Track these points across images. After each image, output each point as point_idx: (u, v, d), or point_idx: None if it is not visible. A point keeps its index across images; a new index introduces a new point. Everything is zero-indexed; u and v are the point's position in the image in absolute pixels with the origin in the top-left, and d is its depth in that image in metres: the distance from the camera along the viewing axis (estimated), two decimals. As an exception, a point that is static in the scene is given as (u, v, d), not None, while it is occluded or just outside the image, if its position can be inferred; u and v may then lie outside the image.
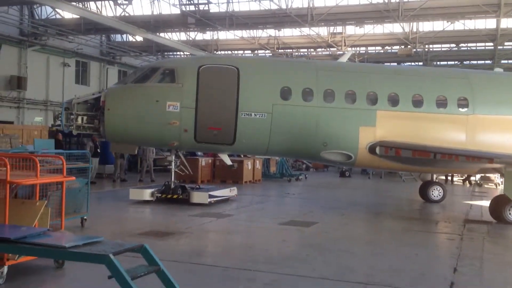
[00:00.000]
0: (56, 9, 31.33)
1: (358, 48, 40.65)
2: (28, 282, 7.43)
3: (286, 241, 11.20)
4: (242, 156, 23.60)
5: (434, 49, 40.26)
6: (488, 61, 40.10)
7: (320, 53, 41.43)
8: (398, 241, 11.50)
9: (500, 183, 24.34)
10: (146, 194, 15.95)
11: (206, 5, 31.29)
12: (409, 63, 43.21)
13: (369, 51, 41.28)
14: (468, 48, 39.26)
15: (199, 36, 38.32)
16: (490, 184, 26.68)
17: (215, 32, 37.47)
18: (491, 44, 35.89)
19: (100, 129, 14.22)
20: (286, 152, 15.72)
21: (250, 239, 11.40)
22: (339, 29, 36.92)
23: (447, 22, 32.57)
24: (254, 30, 36.39)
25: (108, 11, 34.52)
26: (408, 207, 17.77)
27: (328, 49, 39.03)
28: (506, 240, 12.22)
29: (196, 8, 30.89)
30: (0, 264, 7.21)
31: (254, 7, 33.53)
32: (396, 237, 12.00)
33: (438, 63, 42.48)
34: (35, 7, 33.47)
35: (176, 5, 31.32)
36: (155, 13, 33.95)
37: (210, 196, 15.73)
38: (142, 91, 14.09)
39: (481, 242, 11.44)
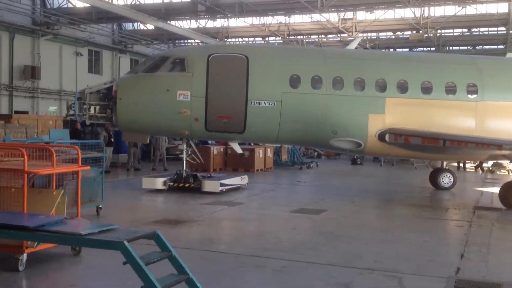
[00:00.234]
0: (68, -2, 31.58)
1: (369, 34, 40.46)
2: (47, 269, 7.72)
3: (296, 228, 11.41)
4: (252, 144, 23.78)
5: (446, 34, 39.91)
6: (501, 46, 39.73)
7: (331, 39, 41.29)
8: (407, 228, 11.65)
9: (512, 169, 24.36)
10: (159, 183, 16.21)
11: (217, -7, 31.32)
12: (421, 49, 42.91)
13: (380, 37, 41.06)
14: (480, 33, 38.91)
15: (209, 23, 38.36)
16: (502, 170, 26.63)
17: (226, 19, 37.47)
18: (504, 28, 35.53)
19: (112, 118, 14.44)
20: (296, 140, 15.85)
21: (261, 227, 11.62)
22: (349, 15, 36.73)
23: (459, 6, 32.29)
24: (264, 17, 36.34)
25: (119, -1, 34.77)
26: (418, 194, 17.87)
27: (339, 35, 38.89)
28: (514, 226, 12.33)
29: (207, -4, 30.92)
30: (20, 252, 7.49)
31: (264, -7, 33.52)
32: (405, 224, 12.16)
33: (450, 48, 42.15)
34: (47, -4, 33.76)
35: (187, -8, 31.39)
36: (165, 1, 34.06)
37: (222, 185, 15.95)
38: (153, 81, 14.28)
39: (490, 228, 11.55)
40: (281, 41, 40.17)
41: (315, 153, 35.13)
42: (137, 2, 32.97)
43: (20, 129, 18.41)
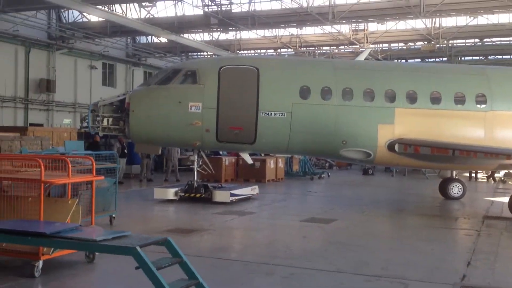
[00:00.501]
0: (83, 13, 32.15)
1: (380, 45, 40.64)
2: (62, 275, 7.97)
3: (306, 237, 11.57)
4: (263, 155, 23.98)
5: (458, 45, 39.98)
6: (514, 56, 39.70)
7: (343, 50, 41.53)
8: (416, 236, 11.76)
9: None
10: (170, 193, 16.45)
11: (228, 6, 31.73)
12: (433, 59, 43.00)
13: (392, 48, 41.21)
14: (492, 43, 38.90)
15: (222, 36, 38.82)
16: (515, 180, 26.54)
17: (238, 32, 37.89)
18: (516, 38, 35.52)
19: (125, 130, 14.74)
20: (306, 150, 16.03)
21: (271, 236, 11.78)
22: (361, 26, 36.97)
23: (470, 17, 32.36)
24: (276, 29, 36.71)
25: (133, 13, 35.37)
26: (429, 204, 17.91)
27: (350, 46, 39.11)
28: (523, 235, 12.35)
29: (219, 9, 31.35)
30: (36, 259, 7.75)
31: (276, 6, 33.88)
32: (414, 233, 12.26)
33: (462, 58, 42.17)
34: (62, 11, 34.38)
35: (199, 6, 31.86)
36: (178, 14, 34.61)
37: (232, 195, 16.16)
38: (165, 93, 14.58)
39: (498, 237, 11.61)
40: (293, 52, 40.50)
41: (327, 164, 35.22)
42: (151, 16, 33.52)
43: (35, 141, 18.80)
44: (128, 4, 32.12)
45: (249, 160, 16.77)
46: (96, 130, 14.82)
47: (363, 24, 35.87)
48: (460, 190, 18.37)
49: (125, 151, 23.06)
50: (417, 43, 38.47)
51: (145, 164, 23.86)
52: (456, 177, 18.91)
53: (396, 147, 14.71)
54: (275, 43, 38.88)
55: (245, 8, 32.73)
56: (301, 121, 14.70)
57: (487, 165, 15.73)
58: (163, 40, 38.74)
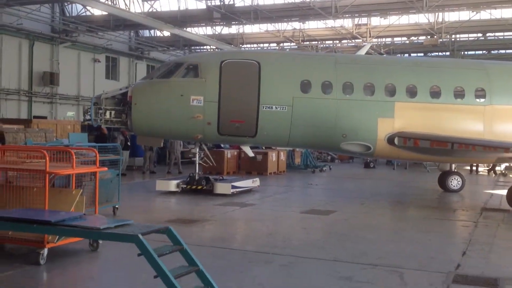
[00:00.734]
0: (86, 6, 32.33)
1: (383, 39, 40.69)
2: (66, 263, 8.21)
3: (305, 228, 11.77)
4: (264, 148, 24.18)
5: (461, 39, 40.01)
6: (517, 51, 39.72)
7: (346, 44, 41.59)
8: (415, 228, 11.95)
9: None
10: (172, 185, 16.66)
11: (231, 0, 31.87)
12: (436, 54, 43.06)
13: (395, 42, 41.25)
14: (496, 38, 38.91)
15: (225, 30, 38.92)
16: (515, 174, 26.67)
17: (241, 26, 38.01)
18: (519, 33, 35.52)
19: (127, 123, 14.94)
20: (306, 143, 16.19)
21: (271, 226, 11.97)
22: (363, 20, 37.01)
23: (473, 11, 32.39)
24: (279, 23, 36.81)
25: (136, 7, 35.52)
26: (428, 197, 18.09)
27: (353, 40, 39.17)
28: (520, 227, 12.53)
29: (221, 3, 31.51)
30: (41, 247, 7.97)
31: (279, 0, 34.02)
32: (413, 225, 12.45)
33: (465, 53, 42.20)
34: (65, 4, 34.57)
35: (202, 0, 31.99)
36: (181, 8, 34.72)
37: (233, 187, 16.36)
38: (167, 86, 14.74)
39: (495, 229, 11.80)
40: (296, 46, 40.59)
41: (329, 157, 35.41)
42: (154, 10, 33.68)
43: (39, 133, 19.06)
44: (131, -2, 32.33)
45: (250, 153, 16.95)
46: (98, 123, 15.02)
47: (366, 18, 35.93)
48: (459, 183, 18.55)
49: (128, 143, 23.28)
50: (420, 38, 38.51)
51: (148, 157, 24.10)
52: (455, 170, 19.06)
53: (396, 140, 14.87)
54: (277, 37, 38.98)
55: (248, 2, 32.83)
56: (302, 115, 14.86)
57: (486, 158, 15.88)
58: (166, 33, 38.91)
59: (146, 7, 34.67)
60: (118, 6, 31.69)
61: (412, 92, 15.33)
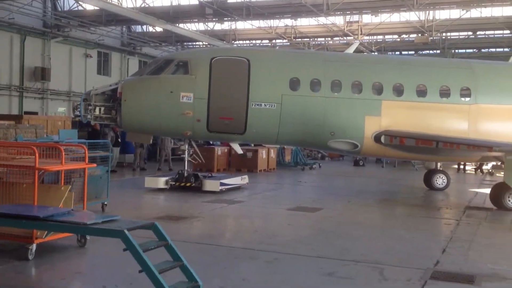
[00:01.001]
0: (78, 1, 32.32)
1: (375, 37, 40.95)
2: (54, 258, 8.35)
3: (291, 225, 11.98)
4: (253, 145, 24.34)
5: (452, 37, 40.33)
6: (507, 49, 40.03)
7: (337, 42, 41.82)
8: (399, 225, 12.19)
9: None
10: (161, 182, 16.77)
11: (224, -4, 32.00)
12: (427, 51, 43.38)
13: (386, 40, 41.52)
14: (486, 36, 39.26)
15: (217, 26, 39.02)
16: (502, 172, 26.92)
17: (233, 22, 38.11)
18: (509, 31, 35.83)
19: (117, 119, 15.05)
20: (295, 141, 16.37)
21: (258, 223, 12.18)
22: (355, 17, 37.24)
23: (463, 10, 32.65)
24: (271, 20, 36.96)
25: (129, 2, 35.49)
26: (414, 195, 18.31)
27: (345, 38, 39.39)
28: (501, 225, 12.78)
29: (214, -1, 31.61)
30: (30, 242, 8.12)
31: (271, -3, 34.19)
32: (397, 222, 12.71)
33: (456, 51, 42.55)
34: (57, -1, 34.60)
35: (194, -4, 32.07)
36: (174, 4, 34.76)
37: (222, 184, 16.51)
38: (157, 83, 14.85)
39: (476, 227, 12.04)
40: (288, 43, 40.76)
41: (319, 155, 35.62)
42: (146, 5, 33.69)
43: (30, 129, 19.14)
44: (123, -7, 32.30)
45: (238, 150, 17.12)
46: (88, 119, 15.11)
47: (357, 16, 36.16)
48: (444, 181, 18.82)
49: (119, 140, 23.37)
50: (411, 35, 38.81)
51: (138, 153, 24.19)
52: (441, 169, 19.33)
53: (382, 138, 15.10)
54: (270, 33, 39.13)
55: (240, -2, 32.93)
56: (291, 112, 15.04)
57: (470, 157, 16.16)
58: (158, 29, 38.96)
59: (139, 3, 34.58)
60: (110, 1, 31.66)
61: (399, 91, 15.55)
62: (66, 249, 8.81)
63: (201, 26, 39.89)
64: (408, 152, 15.45)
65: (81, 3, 33.35)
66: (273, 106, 14.99)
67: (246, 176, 18.55)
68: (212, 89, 14.75)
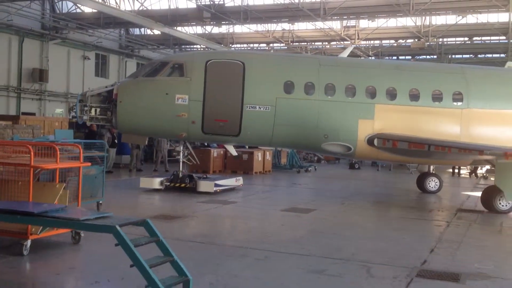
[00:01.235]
0: (77, 4, 32.49)
1: (372, 42, 41.21)
2: (48, 254, 8.49)
3: (284, 225, 12.13)
4: (247, 147, 24.52)
5: (448, 43, 40.60)
6: (502, 55, 40.30)
7: (334, 46, 42.05)
8: (390, 227, 12.35)
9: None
10: (156, 182, 16.94)
11: (221, 0, 32.19)
12: (423, 56, 43.63)
13: (383, 45, 41.78)
14: (482, 42, 39.52)
15: (215, 29, 39.23)
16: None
17: (231, 26, 38.32)
18: (504, 37, 36.07)
19: (112, 120, 15.20)
20: (289, 143, 16.54)
21: (250, 223, 12.33)
22: (352, 22, 37.48)
23: (459, 16, 32.90)
24: (269, 24, 37.18)
25: (127, 5, 35.69)
26: (407, 197, 18.49)
27: (342, 42, 39.63)
28: (491, 227, 12.94)
29: (212, 2, 31.81)
30: (24, 238, 8.27)
31: (268, 1, 34.44)
32: (389, 223, 12.86)
33: (452, 56, 42.81)
34: (56, 1, 34.72)
35: (192, -1, 32.28)
36: (172, 7, 35.00)
37: (216, 185, 16.67)
38: (153, 84, 15.01)
39: (466, 228, 12.21)
40: (285, 47, 40.97)
41: (315, 158, 35.80)
42: (144, 8, 33.89)
43: (27, 129, 19.28)
44: (121, -4, 32.57)
45: (233, 152, 17.29)
46: (83, 120, 15.25)
47: (354, 20, 36.40)
48: (437, 184, 19.02)
49: (115, 141, 23.52)
50: (408, 41, 39.06)
51: (134, 155, 24.35)
52: (433, 172, 19.52)
53: (375, 141, 15.27)
54: (267, 37, 39.37)
55: (238, 2, 33.16)
56: (285, 115, 15.21)
57: (462, 160, 16.34)
58: (156, 32, 39.09)
59: (137, 5, 34.86)
60: (108, 4, 31.90)
61: (392, 95, 15.74)
62: (60, 245, 8.96)
63: (199, 30, 40.12)
64: (401, 155, 15.63)
65: (79, 5, 33.51)
66: (267, 108, 15.17)
67: (240, 178, 18.72)
68: (207, 91, 14.92)
